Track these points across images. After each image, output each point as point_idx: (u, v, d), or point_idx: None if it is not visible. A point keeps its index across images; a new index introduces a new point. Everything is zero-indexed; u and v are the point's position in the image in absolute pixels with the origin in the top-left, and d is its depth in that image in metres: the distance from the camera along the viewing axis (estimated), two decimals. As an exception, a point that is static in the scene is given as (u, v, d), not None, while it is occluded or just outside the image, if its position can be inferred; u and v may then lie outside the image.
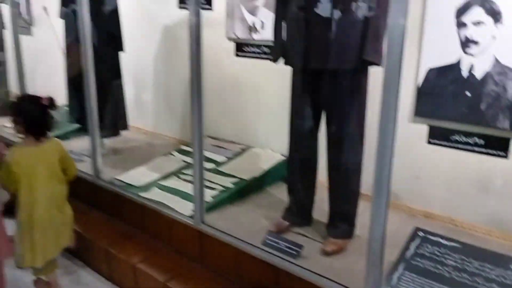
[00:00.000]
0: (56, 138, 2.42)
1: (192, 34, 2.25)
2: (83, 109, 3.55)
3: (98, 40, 3.10)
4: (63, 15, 3.45)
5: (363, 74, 2.12)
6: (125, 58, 3.59)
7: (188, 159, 3.28)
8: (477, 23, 2.18)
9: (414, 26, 2.36)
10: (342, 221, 2.33)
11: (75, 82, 3.51)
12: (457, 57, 2.27)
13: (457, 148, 2.31)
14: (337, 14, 2.01)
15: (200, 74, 2.30)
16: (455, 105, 2.32)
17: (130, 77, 3.96)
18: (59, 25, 3.56)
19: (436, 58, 2.35)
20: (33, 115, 2.20)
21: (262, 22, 3.16)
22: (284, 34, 2.29)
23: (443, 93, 2.35)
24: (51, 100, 2.23)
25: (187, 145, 3.57)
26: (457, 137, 2.31)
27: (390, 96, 1.65)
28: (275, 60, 2.32)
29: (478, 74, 2.21)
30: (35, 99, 2.23)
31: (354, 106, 2.16)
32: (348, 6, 2.01)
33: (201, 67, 2.30)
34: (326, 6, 2.02)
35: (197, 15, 2.21)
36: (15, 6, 3.41)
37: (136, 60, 4.00)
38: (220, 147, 3.46)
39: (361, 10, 2.01)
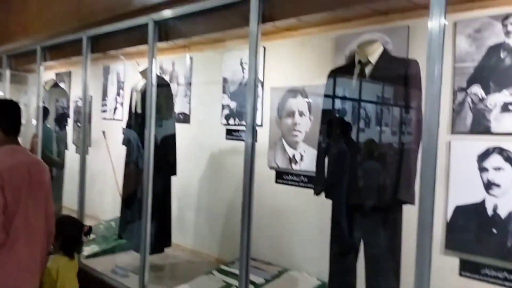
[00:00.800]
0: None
1: (246, 164, 2.60)
2: (131, 226, 3.87)
3: (155, 165, 3.51)
4: (126, 142, 3.95)
5: (398, 210, 2.39)
6: (173, 180, 3.98)
7: (228, 279, 3.45)
8: (497, 169, 2.48)
9: (441, 165, 2.68)
10: None
11: (128, 202, 3.88)
12: (481, 197, 2.54)
13: (488, 281, 2.46)
14: (374, 154, 2.36)
15: (251, 202, 2.60)
16: (483, 241, 2.52)
17: (175, 197, 4.32)
18: (115, 147, 4.06)
19: (463, 196, 2.62)
20: (70, 237, 2.51)
21: (301, 155, 3.56)
22: (325, 169, 2.64)
23: (471, 229, 2.57)
24: (90, 229, 2.57)
25: (225, 264, 3.77)
26: (487, 271, 2.48)
27: (424, 233, 1.89)
28: (317, 194, 2.63)
29: (503, 213, 2.45)
30: (77, 225, 2.57)
31: (390, 238, 2.39)
32: (383, 148, 2.37)
33: (252, 195, 2.61)
34: (362, 147, 2.39)
35: (251, 147, 2.58)
36: (85, 134, 3.94)
37: (183, 182, 4.39)
38: (258, 268, 3.63)
39: (395, 153, 2.37)
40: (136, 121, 3.75)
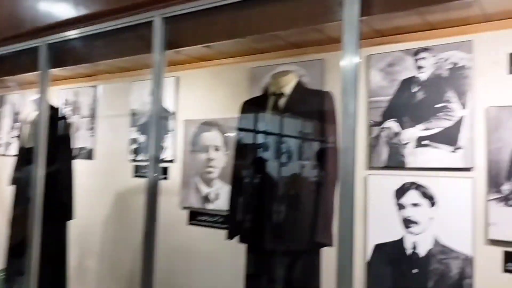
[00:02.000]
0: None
1: (148, 203, 2.29)
2: (20, 277, 3.32)
3: (48, 209, 3.06)
4: (14, 181, 3.44)
5: (317, 253, 2.20)
6: (72, 224, 3.51)
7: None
8: (415, 205, 2.41)
9: (359, 202, 2.57)
10: None
11: (16, 250, 3.34)
12: (400, 235, 2.44)
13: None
14: (290, 194, 2.17)
15: (153, 247, 2.28)
16: (403, 280, 2.40)
17: (74, 244, 3.82)
18: (7, 187, 3.56)
19: (382, 234, 2.50)
20: None
21: (217, 193, 3.30)
22: (239, 212, 2.40)
23: (391, 269, 2.45)
24: None
25: (131, 319, 3.33)
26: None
27: (344, 276, 1.71)
28: (230, 238, 2.37)
29: (421, 252, 2.36)
30: None
31: (309, 284, 2.18)
32: (299, 186, 2.19)
33: (154, 239, 2.29)
34: (281, 187, 2.19)
35: (154, 183, 2.28)
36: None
37: (83, 227, 3.91)
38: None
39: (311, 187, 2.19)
40: (27, 157, 3.27)
